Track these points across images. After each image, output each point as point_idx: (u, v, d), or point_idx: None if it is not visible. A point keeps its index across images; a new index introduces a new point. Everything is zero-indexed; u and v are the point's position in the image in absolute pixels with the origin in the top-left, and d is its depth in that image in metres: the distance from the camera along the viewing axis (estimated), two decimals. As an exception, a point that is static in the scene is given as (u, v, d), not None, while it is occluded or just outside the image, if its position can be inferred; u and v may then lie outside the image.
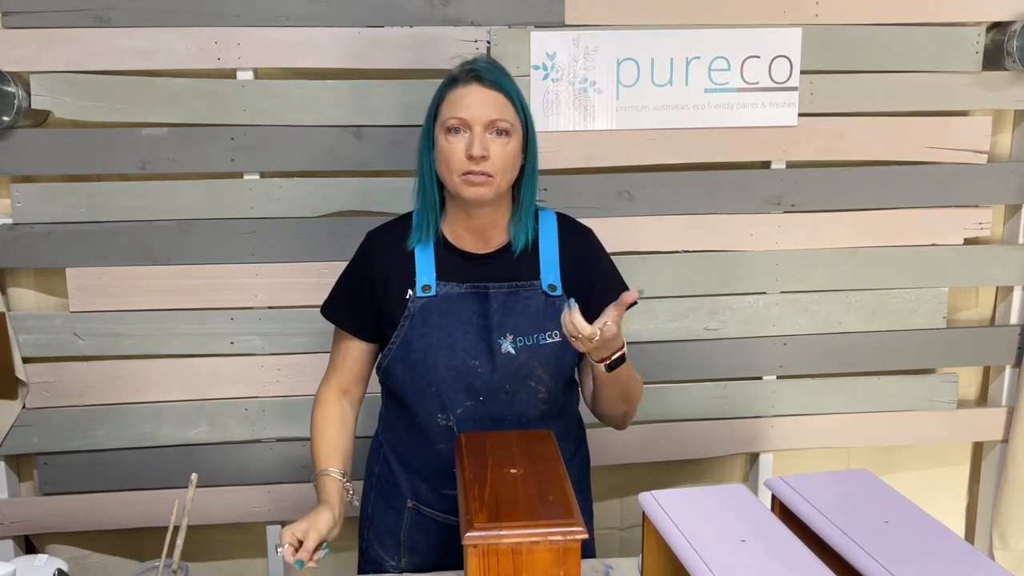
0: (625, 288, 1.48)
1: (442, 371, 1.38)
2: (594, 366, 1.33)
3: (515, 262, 1.42)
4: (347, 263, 1.49)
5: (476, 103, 1.32)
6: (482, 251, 1.43)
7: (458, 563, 1.42)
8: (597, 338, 1.22)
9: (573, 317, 1.22)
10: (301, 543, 1.28)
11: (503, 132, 1.33)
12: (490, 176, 1.33)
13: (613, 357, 1.30)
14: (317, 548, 1.30)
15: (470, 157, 1.31)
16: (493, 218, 1.41)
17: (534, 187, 1.42)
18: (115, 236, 1.92)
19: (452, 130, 1.33)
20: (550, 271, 1.43)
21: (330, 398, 1.50)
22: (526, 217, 1.42)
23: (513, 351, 1.38)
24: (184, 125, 1.90)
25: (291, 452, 2.04)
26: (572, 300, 1.25)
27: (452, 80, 1.36)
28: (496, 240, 1.43)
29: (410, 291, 1.40)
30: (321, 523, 1.31)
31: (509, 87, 1.36)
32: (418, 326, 1.39)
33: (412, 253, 1.42)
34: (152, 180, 1.93)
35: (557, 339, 1.40)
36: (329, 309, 1.50)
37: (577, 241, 1.47)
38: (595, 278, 1.46)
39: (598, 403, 1.46)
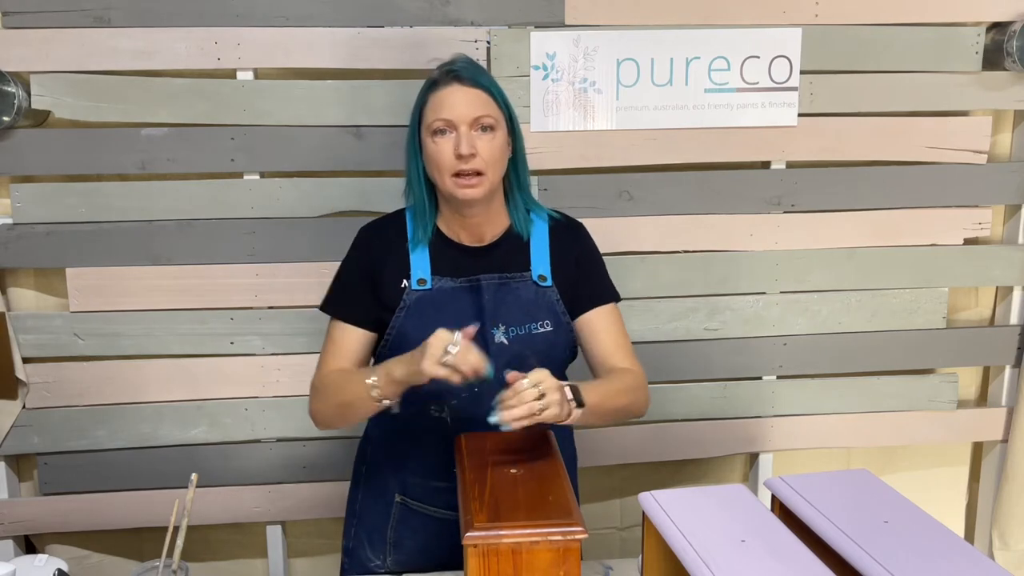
0: (605, 281, 1.52)
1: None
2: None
3: (507, 254, 1.45)
4: (342, 260, 1.49)
5: (459, 102, 1.35)
6: (476, 244, 1.46)
7: (442, 560, 1.44)
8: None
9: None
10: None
11: (488, 128, 1.36)
12: (481, 173, 1.36)
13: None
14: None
15: (459, 156, 1.34)
16: (486, 215, 1.44)
17: (525, 174, 1.46)
18: (115, 236, 1.92)
19: (438, 132, 1.36)
20: (540, 262, 1.46)
21: (332, 371, 1.45)
22: (523, 202, 1.46)
23: (506, 341, 1.40)
24: (184, 125, 1.90)
25: (291, 452, 2.04)
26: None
27: (432, 83, 1.38)
28: (490, 234, 1.46)
29: (405, 281, 1.42)
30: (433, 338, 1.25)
31: (488, 83, 1.39)
32: (413, 317, 1.41)
33: (407, 247, 1.44)
34: (152, 180, 1.93)
35: (548, 329, 1.43)
36: (329, 304, 1.48)
37: (567, 233, 1.51)
38: (580, 265, 1.49)
39: None
